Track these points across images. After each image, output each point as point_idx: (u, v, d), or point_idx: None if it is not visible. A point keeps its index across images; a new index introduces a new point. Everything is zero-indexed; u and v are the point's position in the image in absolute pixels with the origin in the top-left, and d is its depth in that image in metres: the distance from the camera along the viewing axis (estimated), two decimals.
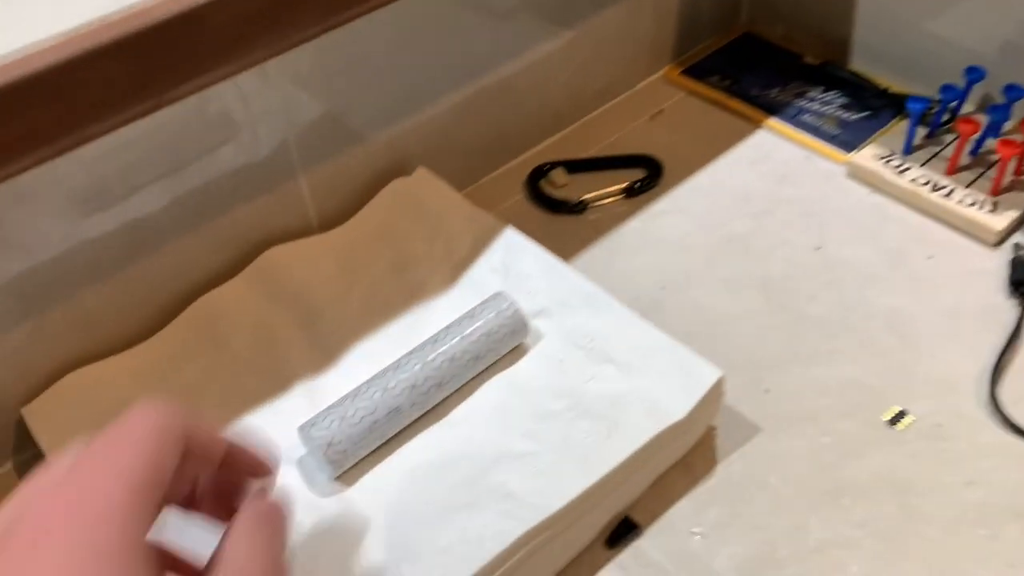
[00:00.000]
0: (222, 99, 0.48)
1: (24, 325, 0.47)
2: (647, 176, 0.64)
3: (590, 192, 0.63)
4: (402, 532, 0.41)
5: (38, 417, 0.47)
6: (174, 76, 0.39)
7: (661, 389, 0.45)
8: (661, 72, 0.74)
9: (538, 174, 0.65)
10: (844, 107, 0.69)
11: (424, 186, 0.58)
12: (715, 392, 0.46)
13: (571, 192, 0.64)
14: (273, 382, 0.48)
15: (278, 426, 0.45)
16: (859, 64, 0.72)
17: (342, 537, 0.41)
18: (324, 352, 0.49)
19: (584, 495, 0.41)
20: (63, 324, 0.49)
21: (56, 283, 0.47)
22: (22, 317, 0.47)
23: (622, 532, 0.45)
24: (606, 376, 0.46)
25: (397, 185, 0.58)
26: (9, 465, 0.50)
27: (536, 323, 0.50)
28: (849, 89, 0.70)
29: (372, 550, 0.40)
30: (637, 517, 0.45)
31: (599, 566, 0.44)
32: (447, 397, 0.47)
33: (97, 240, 0.48)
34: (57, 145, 0.37)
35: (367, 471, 0.44)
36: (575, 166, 0.65)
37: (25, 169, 0.37)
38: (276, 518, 0.30)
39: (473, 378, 0.47)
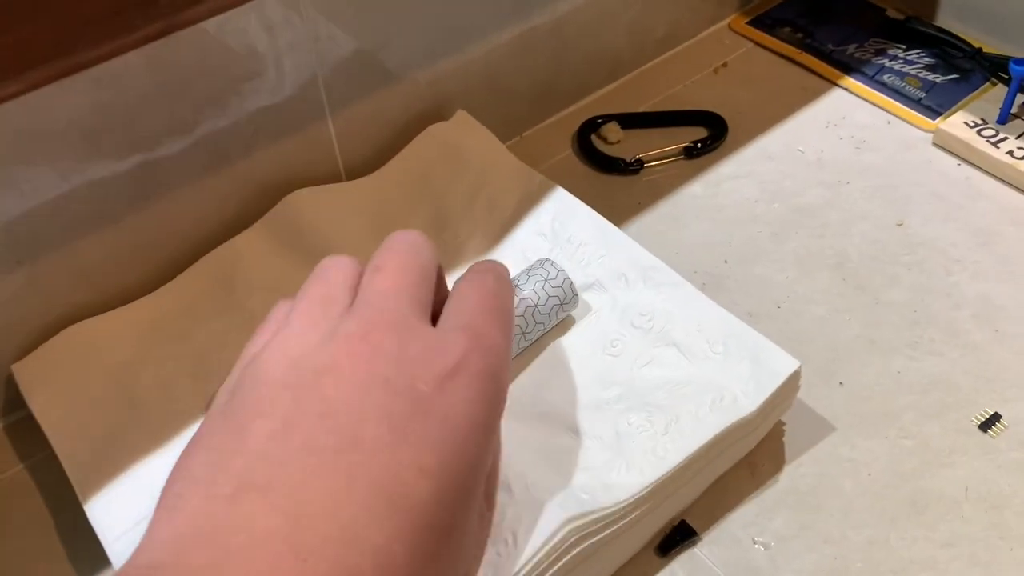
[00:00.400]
0: (245, 28, 0.42)
1: (17, 273, 0.42)
2: (710, 135, 0.58)
3: (646, 150, 0.57)
4: None
5: (29, 375, 0.43)
6: None
7: (729, 379, 0.40)
8: (726, 21, 0.67)
9: (589, 127, 0.59)
10: (930, 67, 0.62)
11: (464, 133, 0.52)
12: (790, 385, 0.40)
13: (625, 149, 0.58)
14: None
15: None
16: (947, 20, 0.65)
17: None
18: None
19: (640, 499, 0.36)
20: (61, 273, 0.44)
21: (54, 228, 0.42)
22: (15, 264, 0.42)
23: (677, 538, 0.40)
24: (665, 361, 0.41)
25: (434, 131, 0.52)
26: None
27: (586, 296, 0.44)
28: (936, 47, 0.63)
29: None
30: (693, 522, 0.40)
31: (650, 575, 0.39)
32: None
33: (101, 181, 0.42)
34: (49, 69, 0.31)
35: None
36: (630, 120, 0.59)
37: (14, 96, 0.32)
38: (501, 270, 0.33)
39: (514, 357, 0.42)
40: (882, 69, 0.62)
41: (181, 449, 0.28)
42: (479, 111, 0.54)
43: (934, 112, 0.59)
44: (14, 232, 0.41)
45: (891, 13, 0.66)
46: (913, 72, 0.62)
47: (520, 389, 0.41)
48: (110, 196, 0.43)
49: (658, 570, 0.39)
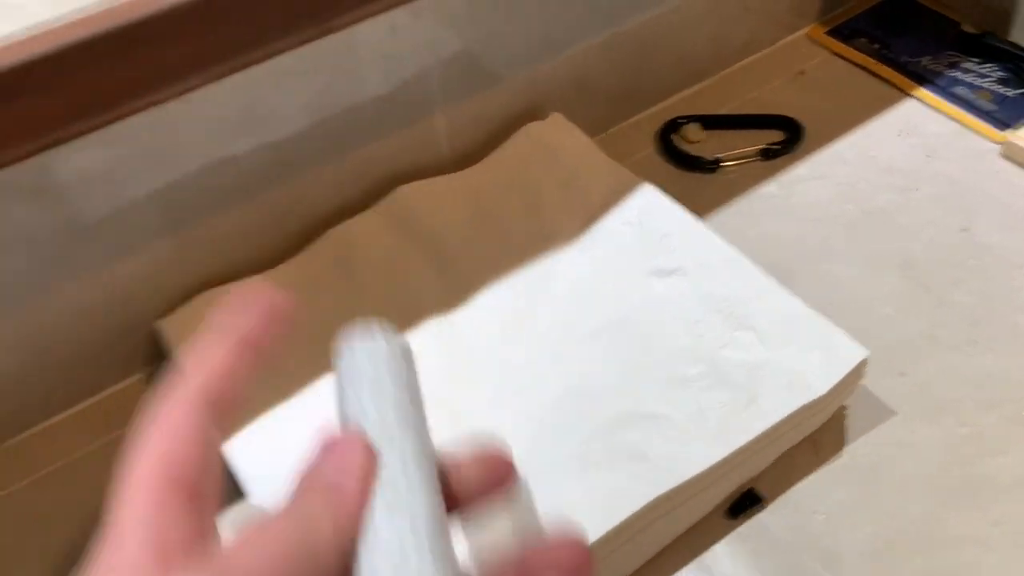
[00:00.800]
0: (374, 31, 0.47)
1: (165, 239, 0.48)
2: (786, 139, 0.61)
3: (725, 151, 0.61)
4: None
5: (175, 329, 0.48)
6: (341, 5, 0.38)
7: (802, 362, 0.44)
8: (805, 30, 0.71)
9: (672, 127, 0.63)
10: (1001, 81, 0.65)
11: (558, 133, 0.57)
12: (856, 372, 0.44)
13: (705, 149, 0.61)
14: (402, 320, 0.48)
15: None
16: (1022, 36, 0.67)
17: None
18: (454, 295, 0.49)
19: (717, 465, 0.40)
20: (201, 242, 0.49)
21: (198, 200, 0.48)
22: (164, 231, 0.48)
23: (745, 504, 0.44)
24: (744, 344, 0.45)
25: (531, 129, 0.57)
26: (139, 375, 0.52)
27: (670, 281, 0.48)
28: (1009, 62, 0.66)
29: None
30: (761, 490, 0.44)
31: (719, 535, 0.43)
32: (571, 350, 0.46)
33: (240, 160, 0.48)
34: (224, 67, 0.37)
35: (488, 417, 0.44)
36: (711, 122, 0.63)
37: (189, 91, 0.38)
38: None
39: (600, 331, 0.46)
40: (955, 82, 0.65)
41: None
42: (568, 110, 0.58)
43: (1004, 125, 0.62)
44: (166, 201, 0.47)
45: (966, 28, 0.69)
46: (985, 85, 0.65)
47: (612, 361, 0.45)
48: (246, 175, 0.49)
49: (727, 531, 0.43)
